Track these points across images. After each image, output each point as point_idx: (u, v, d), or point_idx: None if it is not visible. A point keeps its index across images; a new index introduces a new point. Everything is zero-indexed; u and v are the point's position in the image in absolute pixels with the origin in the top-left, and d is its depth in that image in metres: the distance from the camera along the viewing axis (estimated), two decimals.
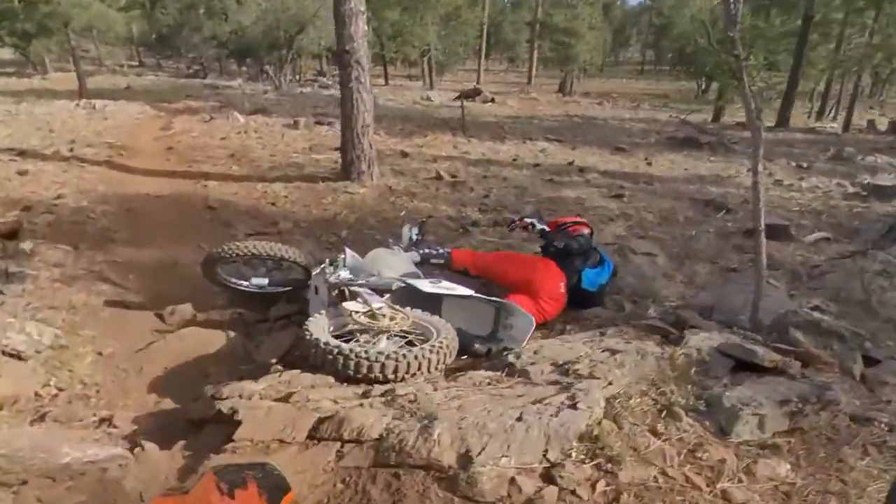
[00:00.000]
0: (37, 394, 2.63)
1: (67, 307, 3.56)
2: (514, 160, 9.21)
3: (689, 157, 10.14)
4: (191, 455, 1.97)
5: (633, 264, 4.74)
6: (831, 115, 21.01)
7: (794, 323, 2.68)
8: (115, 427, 2.29)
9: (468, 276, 3.97)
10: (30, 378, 2.67)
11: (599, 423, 2.01)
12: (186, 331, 3.29)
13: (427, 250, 3.91)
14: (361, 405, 2.04)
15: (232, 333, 3.30)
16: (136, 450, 1.96)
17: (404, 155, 9.01)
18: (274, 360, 3.04)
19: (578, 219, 4.23)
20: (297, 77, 25.58)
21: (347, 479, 1.80)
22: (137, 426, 2.32)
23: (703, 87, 30.38)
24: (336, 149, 8.99)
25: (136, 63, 34.37)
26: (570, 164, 9.00)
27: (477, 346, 2.83)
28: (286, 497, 1.07)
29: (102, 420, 2.38)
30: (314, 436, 1.90)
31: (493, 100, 20.96)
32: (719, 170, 9.07)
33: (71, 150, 8.32)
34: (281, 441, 1.89)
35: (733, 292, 3.66)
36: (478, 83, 27.45)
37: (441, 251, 3.94)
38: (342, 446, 1.87)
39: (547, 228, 3.81)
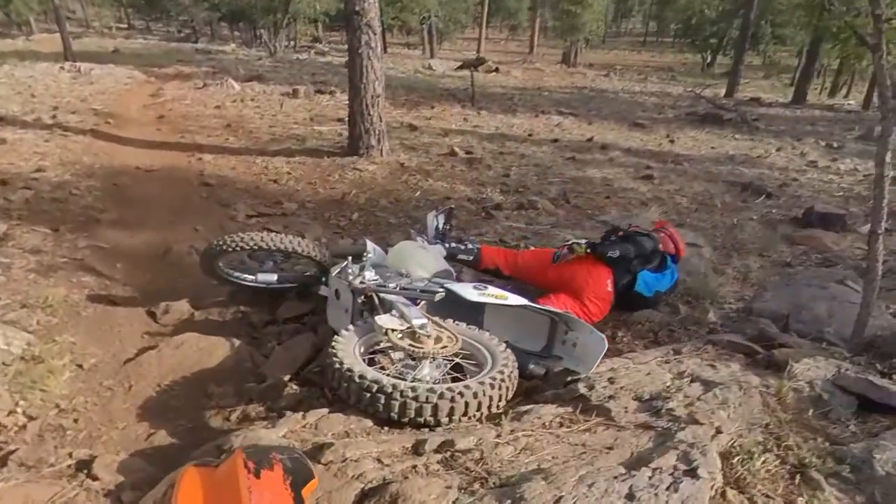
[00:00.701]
0: (1, 424, 2.15)
1: (43, 305, 3.05)
2: (530, 135, 8.65)
3: (711, 135, 9.59)
4: None
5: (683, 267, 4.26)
6: (843, 91, 20.39)
7: None
8: (95, 478, 1.81)
9: (499, 277, 3.50)
10: None
11: (724, 494, 1.56)
12: (183, 338, 2.80)
13: (454, 245, 3.42)
14: (415, 468, 1.57)
15: (237, 342, 2.82)
16: None
17: (413, 128, 8.43)
18: (287, 378, 2.56)
19: (678, 238, 3.63)
20: (293, 43, 24.56)
21: None
22: (123, 476, 1.84)
23: (709, 60, 29.51)
24: (339, 120, 8.40)
25: (124, 25, 33.04)
26: (590, 140, 8.45)
27: (532, 366, 2.36)
28: (309, 484, 1.12)
29: (80, 465, 1.91)
30: None
31: (496, 70, 20.17)
32: (746, 149, 8.55)
33: (54, 117, 7.68)
34: None
35: (810, 299, 3.20)
36: (479, 52, 26.52)
37: (470, 246, 3.45)
38: None
39: (593, 242, 3.28)
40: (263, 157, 6.53)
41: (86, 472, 1.86)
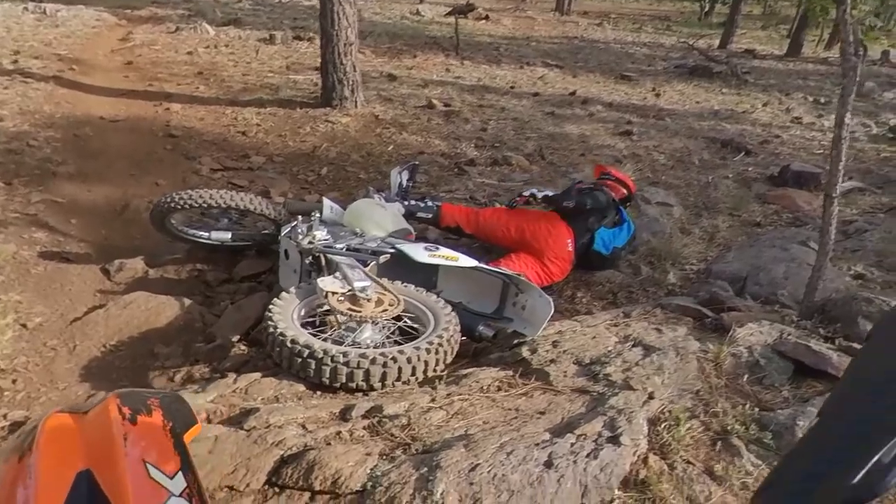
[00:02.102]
0: None
1: None
2: (512, 87, 8.42)
3: (699, 88, 9.39)
4: None
5: (647, 216, 4.22)
6: (840, 44, 19.96)
7: (865, 313, 2.22)
8: None
9: (461, 235, 3.45)
10: None
11: (646, 459, 1.57)
12: (132, 297, 2.76)
13: (413, 202, 3.35)
14: (339, 434, 1.56)
15: (187, 301, 2.78)
16: None
17: (392, 78, 8.16)
18: (236, 338, 2.54)
19: (622, 176, 3.68)
20: None
21: None
22: None
23: (707, 8, 28.66)
24: (317, 69, 8.10)
25: None
26: (573, 94, 8.24)
27: (481, 328, 2.34)
28: (192, 430, 1.02)
29: (14, 427, 1.89)
30: (275, 482, 1.43)
31: (486, 17, 19.46)
32: (732, 104, 8.39)
33: (15, 62, 7.33)
34: (231, 488, 1.42)
35: (769, 261, 3.19)
36: None
37: (430, 204, 3.38)
38: (312, 498, 1.41)
39: (549, 193, 3.26)
40: (234, 107, 6.31)
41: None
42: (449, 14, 18.50)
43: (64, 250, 3.35)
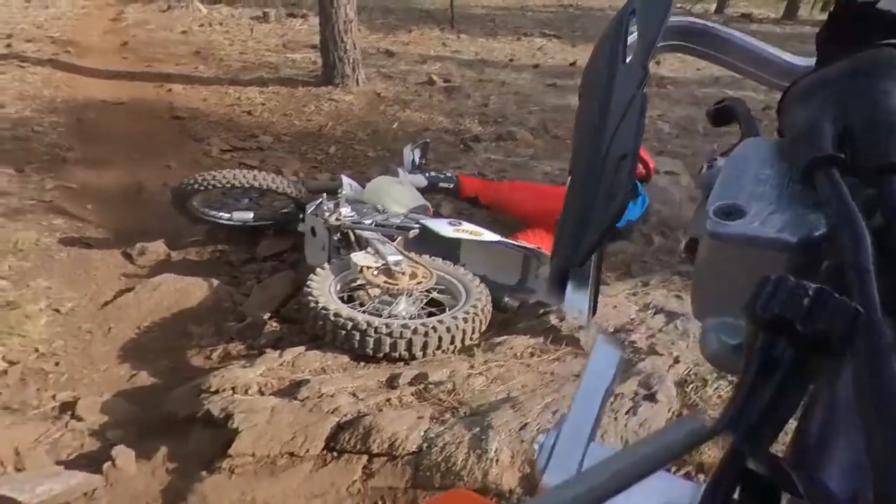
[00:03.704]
0: None
1: (14, 249, 3.01)
2: (511, 61, 8.36)
3: None
4: (176, 470, 1.57)
5: (656, 186, 4.27)
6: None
7: None
8: (80, 419, 1.87)
9: (476, 206, 3.51)
10: None
11: (679, 416, 1.65)
12: (160, 279, 2.80)
13: (433, 174, 3.40)
14: (389, 401, 1.63)
15: (215, 281, 2.83)
16: (106, 466, 1.55)
17: (390, 54, 8.09)
18: (267, 316, 2.60)
19: (644, 155, 3.75)
20: None
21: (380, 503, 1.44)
22: (107, 416, 1.90)
23: None
24: (313, 47, 8.02)
25: None
26: (573, 64, 8.20)
27: (507, 299, 2.41)
28: None
29: (64, 407, 1.96)
30: (332, 447, 1.51)
31: None
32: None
33: (8, 45, 7.23)
34: (291, 454, 1.50)
35: None
36: None
37: (450, 174, 3.44)
38: (370, 460, 1.49)
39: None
40: (235, 86, 6.27)
41: (70, 413, 1.92)
42: None
43: (83, 236, 3.38)
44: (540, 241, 3.14)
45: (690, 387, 1.75)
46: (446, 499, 0.92)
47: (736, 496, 0.28)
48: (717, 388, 1.76)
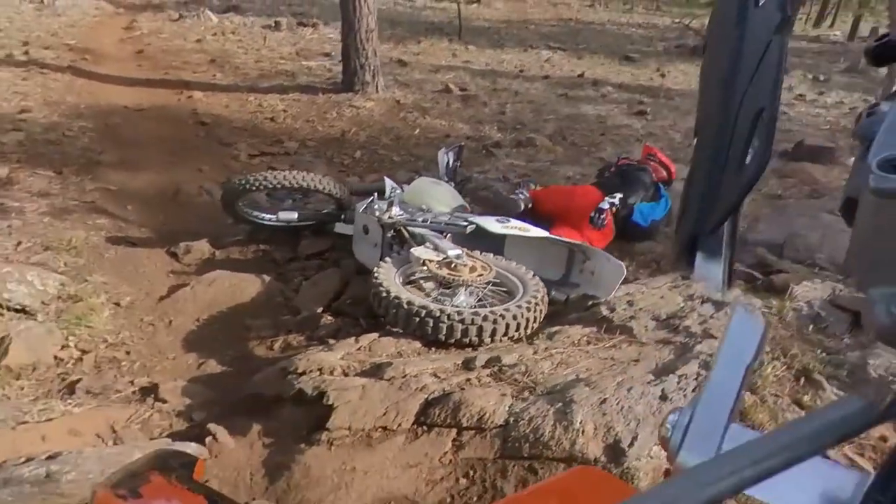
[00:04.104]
0: (56, 357, 2.26)
1: (67, 247, 3.10)
2: (521, 71, 8.55)
3: None
4: (273, 444, 1.67)
5: (673, 191, 4.43)
6: (828, 21, 20.24)
7: None
8: (164, 401, 1.96)
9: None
10: (45, 339, 2.28)
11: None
12: (214, 275, 2.90)
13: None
14: (468, 381, 1.74)
15: (266, 278, 2.93)
16: (209, 440, 1.65)
17: (402, 64, 8.26)
18: (320, 310, 2.70)
19: (666, 161, 3.89)
20: None
21: (471, 473, 1.54)
22: (189, 399, 1.99)
23: None
24: (326, 55, 8.19)
25: None
26: (581, 76, 8.40)
27: (554, 292, 2.52)
28: (197, 467, 0.91)
29: (145, 391, 2.05)
30: (423, 421, 1.61)
31: (478, 1, 19.49)
32: None
33: (26, 53, 7.32)
34: (384, 428, 1.60)
35: (803, 228, 3.40)
36: None
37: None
38: (459, 433, 1.59)
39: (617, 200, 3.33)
40: (255, 94, 6.39)
41: (153, 396, 2.01)
42: None
43: (128, 235, 3.47)
44: (565, 236, 3.27)
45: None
46: (574, 475, 1.00)
47: None
48: (773, 368, 1.88)
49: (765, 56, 0.46)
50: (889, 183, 0.32)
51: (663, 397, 1.65)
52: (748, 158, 0.45)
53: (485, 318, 1.95)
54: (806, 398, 1.78)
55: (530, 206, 3.28)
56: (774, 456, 0.26)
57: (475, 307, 2.21)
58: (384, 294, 2.04)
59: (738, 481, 0.25)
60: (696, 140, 0.53)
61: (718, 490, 0.26)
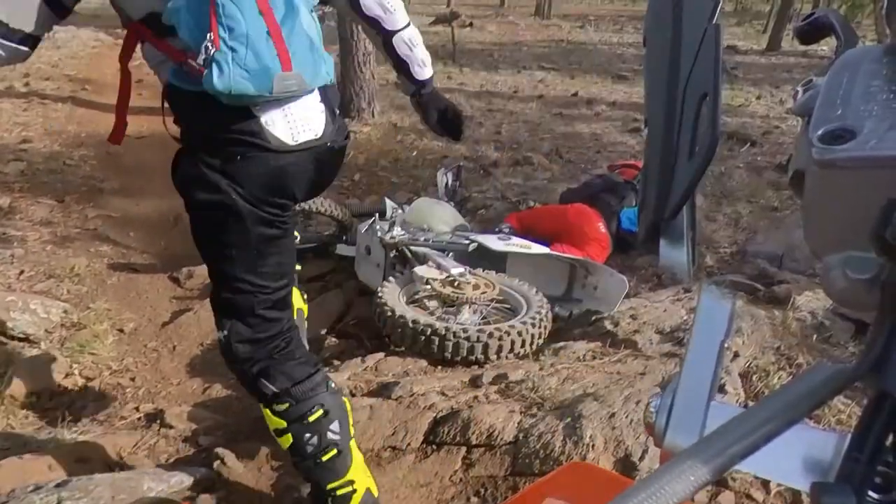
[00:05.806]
0: (61, 385, 2.25)
1: (70, 274, 3.11)
2: (515, 92, 8.66)
3: None
4: (282, 467, 1.66)
5: None
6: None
7: None
8: (170, 427, 1.95)
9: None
10: (49, 367, 2.28)
11: (746, 405, 1.77)
12: None
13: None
14: (476, 398, 1.74)
15: None
16: (217, 464, 1.64)
17: (398, 86, 8.36)
18: (324, 332, 2.71)
19: (628, 161, 3.99)
20: None
21: (482, 491, 1.53)
22: (195, 423, 1.98)
23: None
24: None
25: None
26: (575, 95, 8.51)
27: (557, 308, 2.53)
28: None
29: (150, 417, 2.04)
30: (432, 440, 1.61)
31: (471, 24, 19.80)
32: (728, 98, 8.71)
33: (27, 84, 7.41)
34: (393, 448, 1.59)
35: (801, 238, 3.42)
36: (449, 6, 25.87)
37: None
38: (468, 451, 1.58)
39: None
40: None
41: (159, 422, 1.99)
42: (434, 22, 18.79)
43: (130, 261, 3.48)
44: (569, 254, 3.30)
45: (755, 377, 1.88)
46: (566, 471, 1.01)
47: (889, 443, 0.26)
48: (779, 378, 1.88)
49: (702, 43, 0.47)
50: (830, 154, 0.34)
51: None
52: (698, 145, 0.46)
53: (490, 336, 1.95)
54: None
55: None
56: (760, 428, 0.27)
57: (480, 324, 2.22)
58: (389, 313, 2.04)
59: (728, 459, 0.26)
60: (646, 130, 0.54)
61: (712, 470, 0.26)
